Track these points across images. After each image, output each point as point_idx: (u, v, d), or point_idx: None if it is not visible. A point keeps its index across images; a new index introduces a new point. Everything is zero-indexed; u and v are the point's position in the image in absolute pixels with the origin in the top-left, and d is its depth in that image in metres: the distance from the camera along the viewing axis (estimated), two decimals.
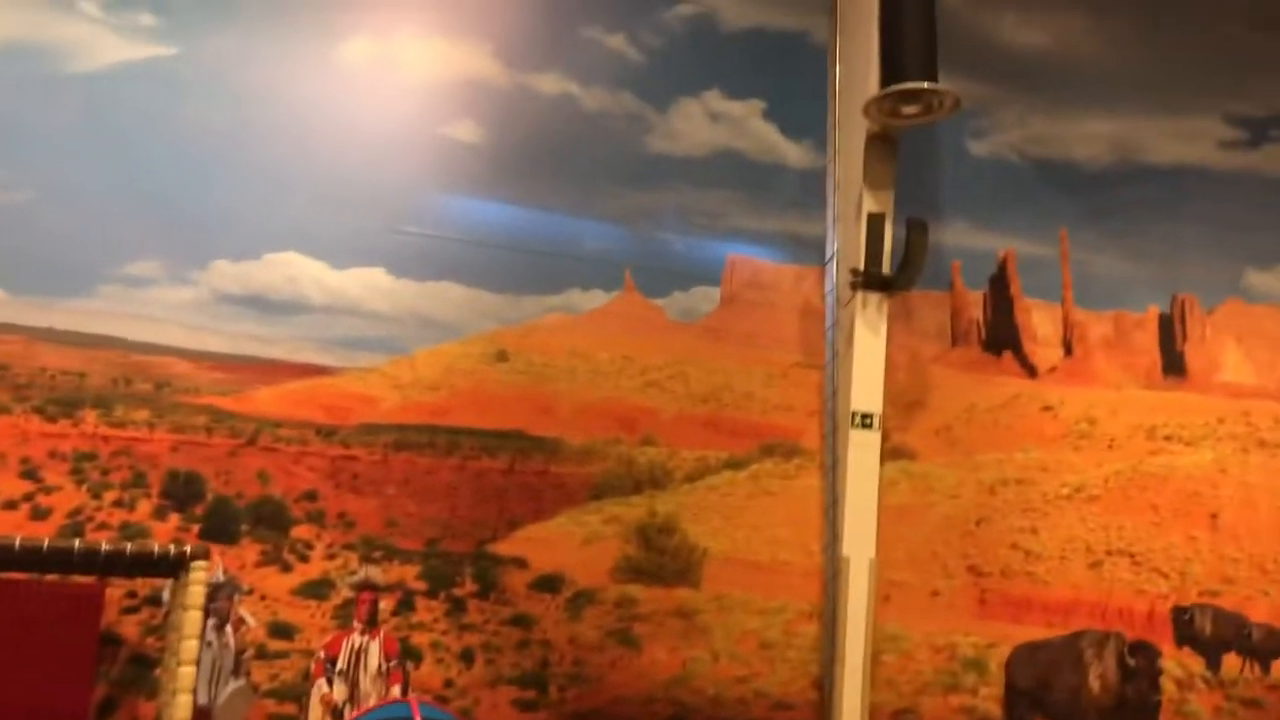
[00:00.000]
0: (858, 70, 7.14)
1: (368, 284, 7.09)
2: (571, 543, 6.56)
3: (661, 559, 6.70)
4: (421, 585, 6.50)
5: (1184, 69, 9.01)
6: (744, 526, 6.88)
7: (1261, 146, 8.85)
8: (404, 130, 7.41)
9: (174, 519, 6.17)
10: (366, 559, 6.45)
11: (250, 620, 5.95)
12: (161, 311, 6.42)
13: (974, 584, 7.10)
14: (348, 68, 7.13)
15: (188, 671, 4.97)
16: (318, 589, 6.32)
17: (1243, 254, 8.64)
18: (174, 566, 5.18)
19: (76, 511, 5.98)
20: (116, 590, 5.74)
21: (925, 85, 6.25)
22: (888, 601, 6.95)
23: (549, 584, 6.64)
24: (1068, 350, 7.71)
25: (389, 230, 7.12)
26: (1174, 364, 8.19)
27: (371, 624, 5.84)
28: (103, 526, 6.05)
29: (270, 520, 6.36)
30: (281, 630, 6.14)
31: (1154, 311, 8.31)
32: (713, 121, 7.67)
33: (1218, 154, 8.87)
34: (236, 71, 6.79)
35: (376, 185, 7.12)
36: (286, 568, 6.31)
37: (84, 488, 6.06)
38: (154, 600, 5.89)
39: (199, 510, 6.20)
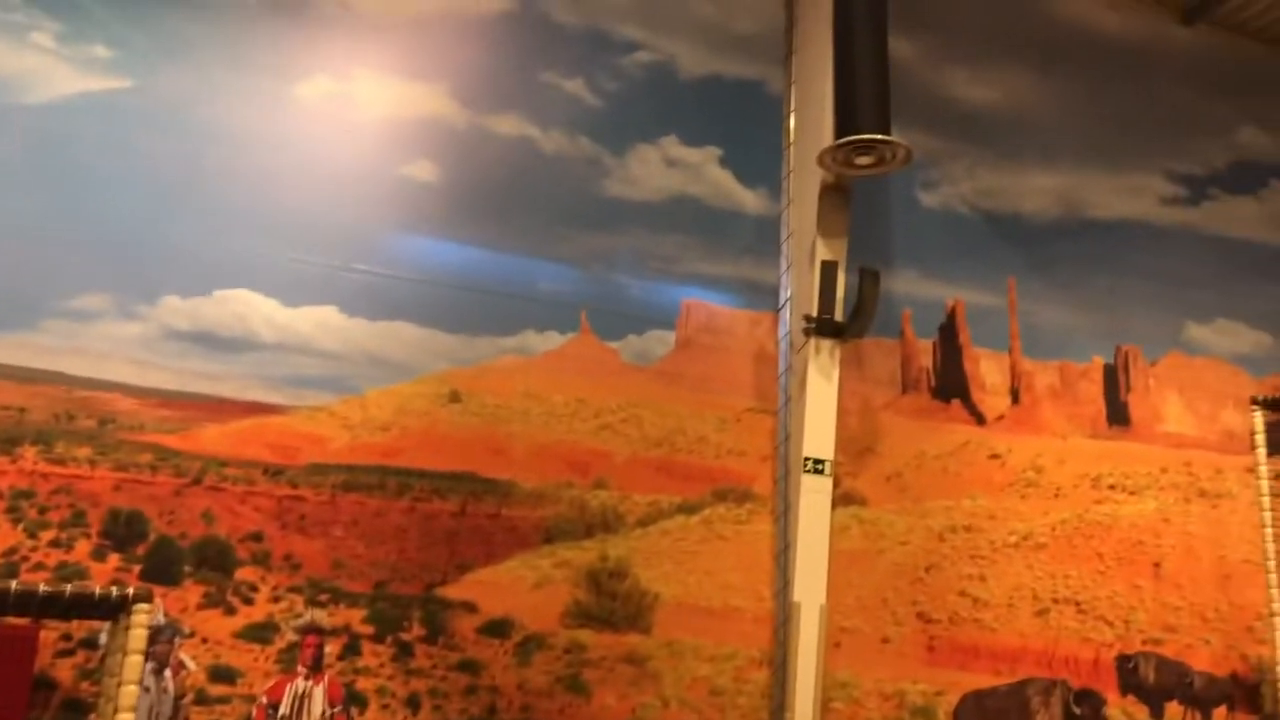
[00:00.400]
0: (812, 121, 7.26)
1: (319, 322, 7.01)
2: (522, 587, 6.48)
3: (612, 604, 6.64)
4: (368, 629, 6.38)
5: (1127, 127, 9.27)
6: (696, 572, 6.86)
7: (1200, 204, 9.12)
8: (360, 169, 7.37)
9: (113, 559, 6.01)
10: (312, 602, 6.32)
11: (190, 665, 5.80)
12: (107, 346, 6.30)
13: (923, 631, 7.13)
14: (304, 106, 7.10)
15: (126, 719, 4.82)
16: (261, 632, 6.18)
17: (1183, 308, 8.86)
18: (114, 609, 5.02)
19: (11, 551, 5.80)
20: (51, 632, 5.58)
21: (878, 137, 6.38)
22: (838, 648, 6.96)
23: (498, 629, 6.55)
24: (1015, 399, 7.83)
25: (342, 269, 7.07)
26: (1118, 414, 8.35)
27: (316, 668, 5.72)
28: (39, 567, 5.87)
29: (214, 561, 6.22)
30: (223, 674, 5.98)
31: (1099, 362, 8.48)
32: (669, 167, 7.74)
33: (1159, 210, 9.12)
34: (191, 107, 6.73)
35: (331, 223, 7.07)
36: (230, 610, 6.16)
37: (20, 526, 5.89)
38: (90, 643, 5.73)
39: (140, 550, 6.04)
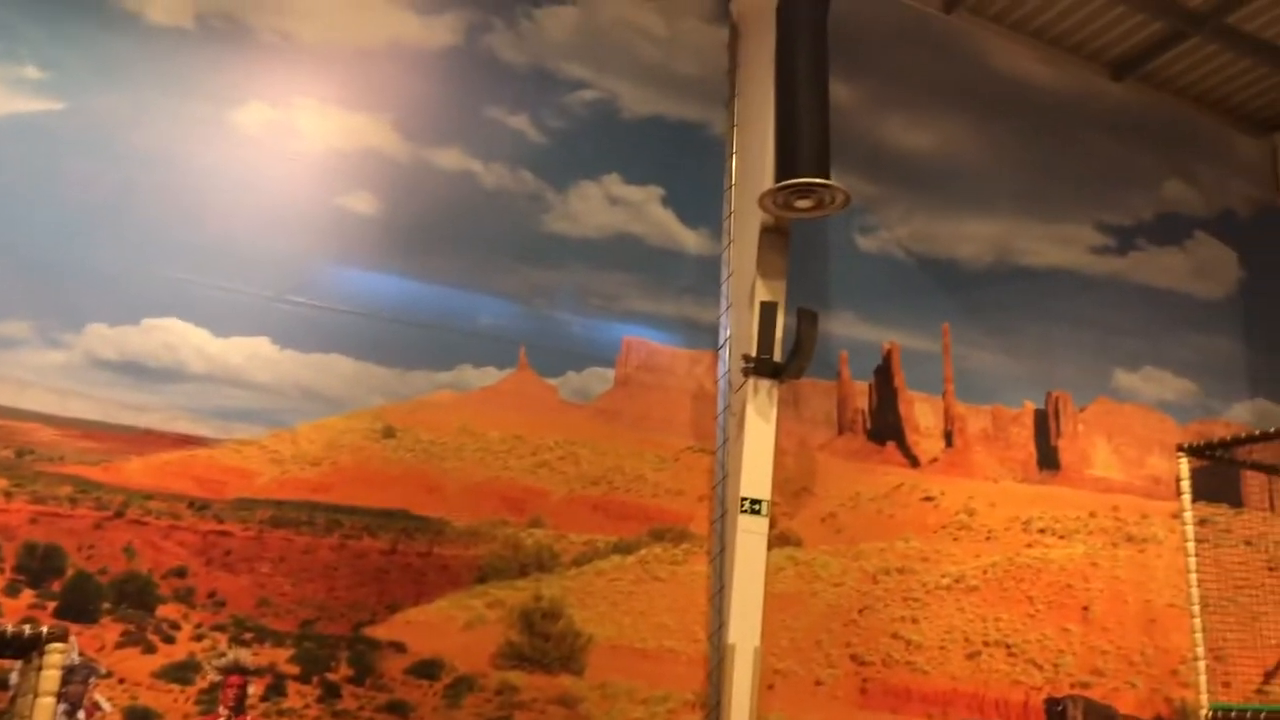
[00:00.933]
0: (754, 163, 7.33)
1: (251, 354, 6.88)
2: (453, 627, 6.36)
3: (545, 645, 6.55)
4: (294, 669, 6.21)
5: (1058, 178, 9.50)
6: (630, 613, 6.79)
7: (1128, 254, 9.36)
8: (298, 199, 7.27)
9: (27, 595, 5.78)
10: (236, 640, 6.15)
11: (106, 706, 5.58)
12: (28, 375, 6.11)
13: (856, 673, 7.13)
14: (242, 133, 7.00)
15: None
16: (182, 672, 5.98)
17: (1112, 355, 9.06)
18: (25, 648, 4.83)
19: None
20: None
21: (817, 181, 6.45)
22: (771, 690, 6.93)
23: (428, 670, 6.42)
24: (949, 442, 7.92)
25: (276, 299, 6.94)
26: (1048, 459, 8.49)
27: (239, 710, 5.54)
28: None
29: (135, 598, 6.02)
30: (140, 716, 5.77)
31: (1030, 407, 8.63)
32: (611, 205, 7.75)
33: (1089, 259, 9.35)
34: (125, 130, 6.60)
35: (266, 253, 6.95)
36: (150, 649, 5.96)
37: None
38: None
39: (56, 586, 5.82)
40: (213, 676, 5.96)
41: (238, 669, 5.78)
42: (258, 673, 6.05)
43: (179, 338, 6.78)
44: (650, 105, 8.11)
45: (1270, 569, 6.93)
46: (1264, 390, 9.74)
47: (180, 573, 6.27)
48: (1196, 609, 6.47)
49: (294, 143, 7.20)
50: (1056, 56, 9.64)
